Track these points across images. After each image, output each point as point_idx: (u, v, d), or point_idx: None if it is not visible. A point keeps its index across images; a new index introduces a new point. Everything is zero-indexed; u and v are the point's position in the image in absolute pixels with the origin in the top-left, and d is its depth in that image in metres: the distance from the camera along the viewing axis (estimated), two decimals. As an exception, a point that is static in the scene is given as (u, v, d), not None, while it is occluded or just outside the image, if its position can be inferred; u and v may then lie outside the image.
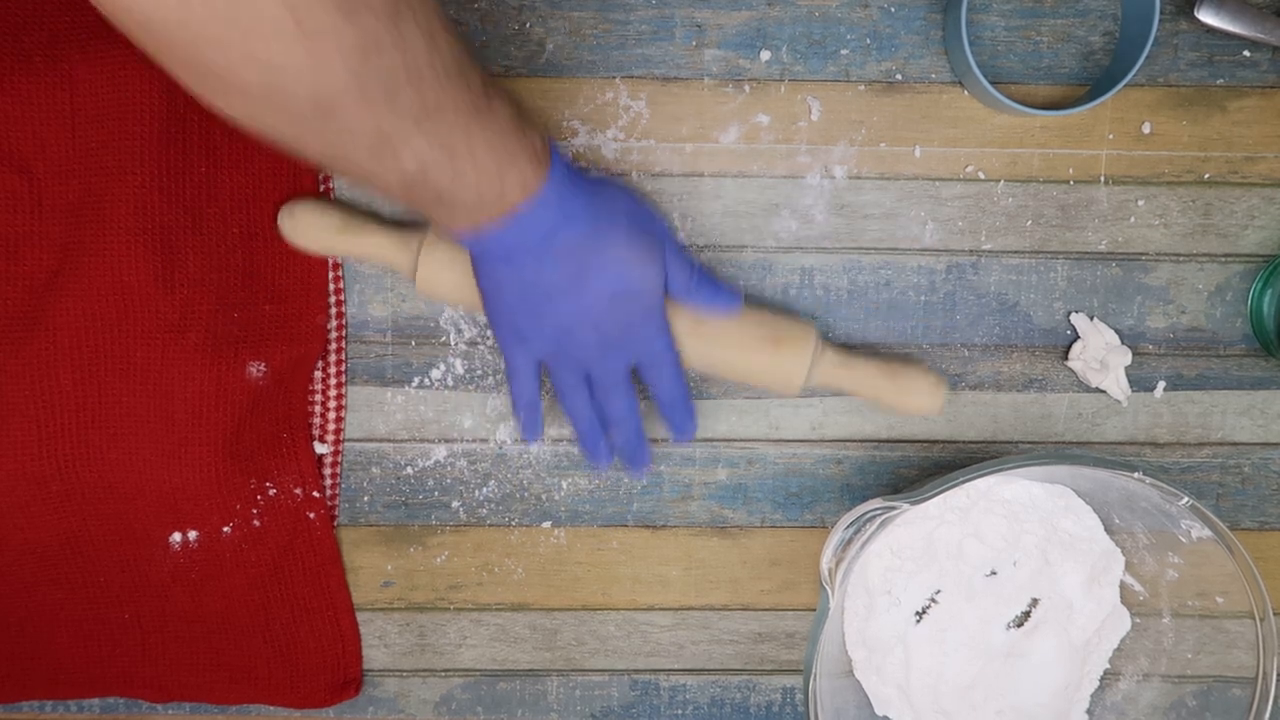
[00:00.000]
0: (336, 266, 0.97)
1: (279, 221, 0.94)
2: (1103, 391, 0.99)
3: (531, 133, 0.81)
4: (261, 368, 0.94)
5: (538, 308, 0.87)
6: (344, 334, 0.98)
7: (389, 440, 0.99)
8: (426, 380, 0.99)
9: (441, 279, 0.92)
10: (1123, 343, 0.98)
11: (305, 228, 0.93)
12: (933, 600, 1.00)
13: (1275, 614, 0.88)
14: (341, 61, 0.64)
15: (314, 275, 0.96)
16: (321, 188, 0.96)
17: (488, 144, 0.77)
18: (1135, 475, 0.86)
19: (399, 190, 0.77)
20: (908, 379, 0.94)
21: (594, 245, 0.85)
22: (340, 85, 0.65)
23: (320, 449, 0.98)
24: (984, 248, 0.98)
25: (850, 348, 0.97)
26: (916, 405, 0.94)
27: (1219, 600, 0.92)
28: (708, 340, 0.92)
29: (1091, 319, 0.98)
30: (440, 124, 0.73)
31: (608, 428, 0.93)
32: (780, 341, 0.93)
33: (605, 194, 0.87)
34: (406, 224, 0.96)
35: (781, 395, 0.97)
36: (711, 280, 0.91)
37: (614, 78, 0.96)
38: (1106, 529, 0.98)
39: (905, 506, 0.86)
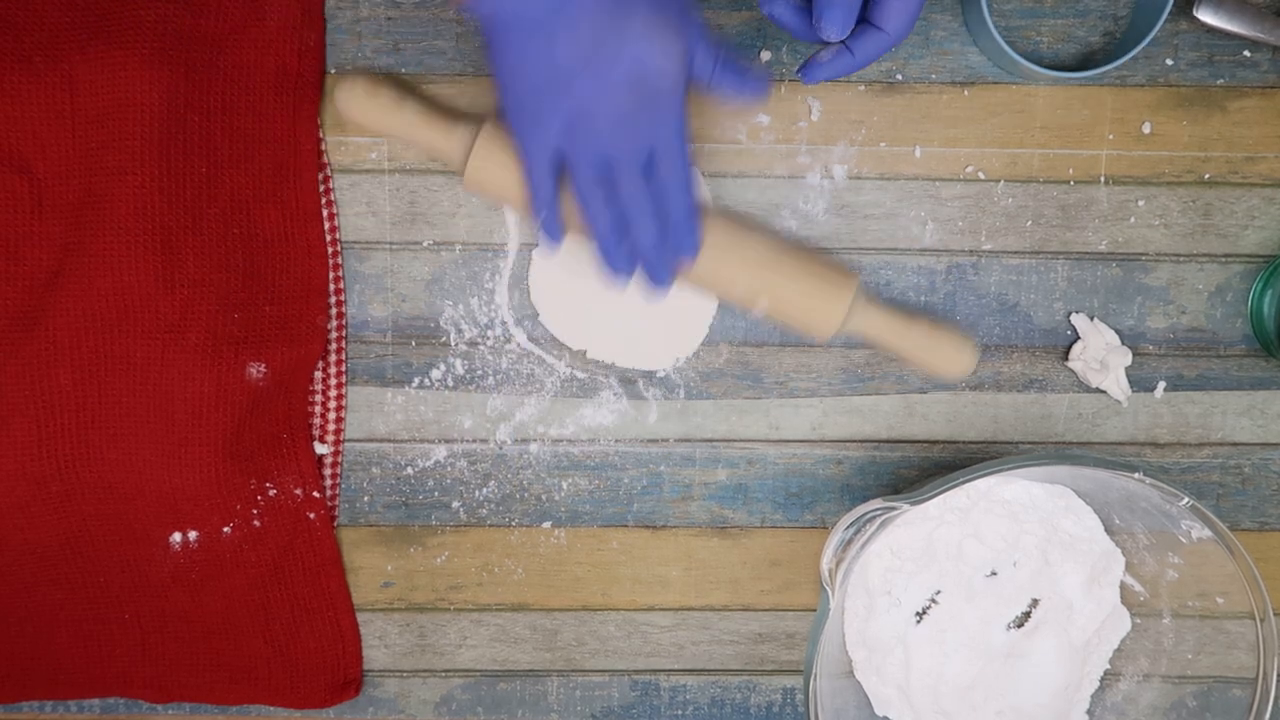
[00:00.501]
0: (337, 267, 0.97)
1: (335, 93, 0.91)
2: (1103, 392, 0.99)
3: None
4: (261, 368, 0.93)
5: (552, 87, 0.81)
6: (344, 334, 0.98)
7: (389, 440, 0.99)
8: (426, 380, 0.98)
9: (492, 175, 0.89)
10: (1123, 343, 0.98)
11: (360, 100, 0.90)
12: (933, 601, 1.00)
13: (1275, 614, 0.88)
14: None
15: (314, 275, 0.96)
16: (322, 188, 0.96)
17: None
18: (1135, 476, 0.85)
19: None
20: (940, 339, 0.94)
21: (611, 16, 0.78)
22: None
23: (320, 449, 0.98)
24: (984, 248, 0.98)
25: (890, 304, 0.96)
26: (945, 366, 0.94)
27: (1219, 601, 0.92)
28: (753, 266, 0.91)
29: (1092, 319, 0.98)
30: None
31: (628, 229, 0.87)
32: (824, 281, 0.92)
33: None
34: (460, 116, 0.93)
35: (816, 337, 0.95)
36: (737, 64, 0.85)
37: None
38: (1107, 529, 0.98)
39: (905, 507, 0.85)
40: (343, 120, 0.93)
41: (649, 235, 0.87)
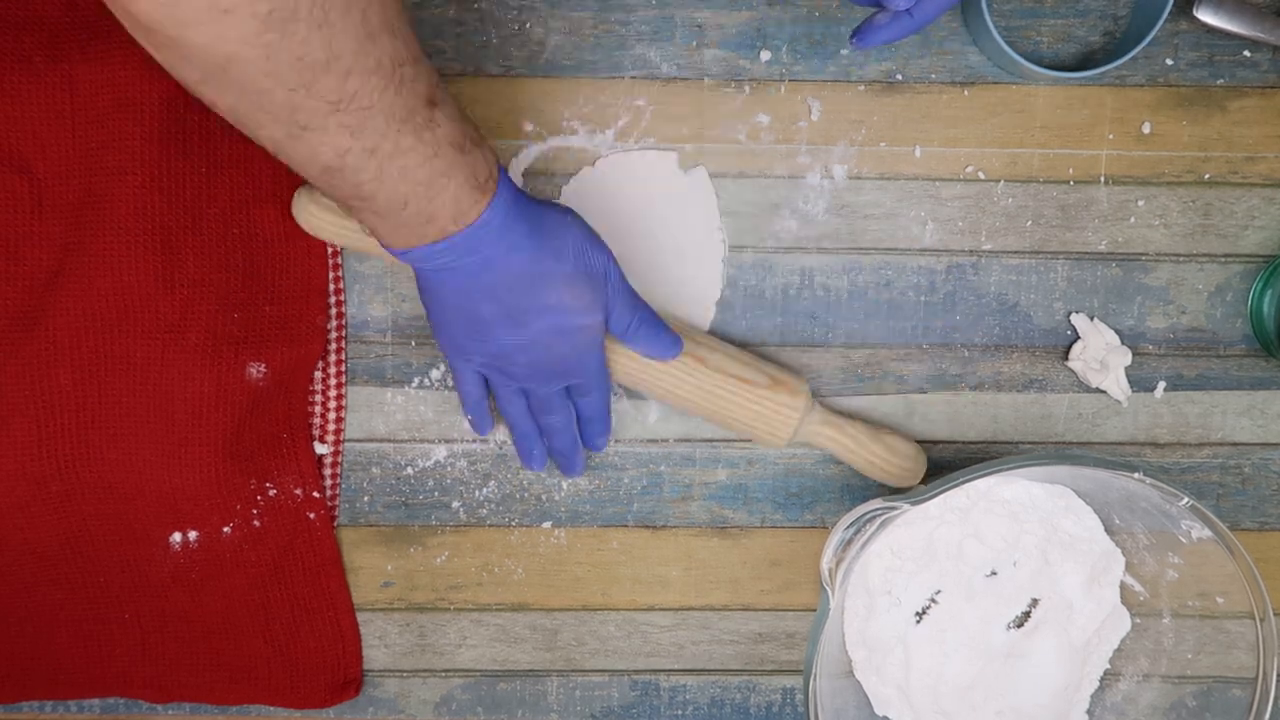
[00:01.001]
0: (337, 267, 0.97)
1: (293, 206, 0.94)
2: (1103, 392, 0.99)
3: (475, 155, 0.78)
4: (261, 368, 0.93)
5: (475, 331, 0.86)
6: (344, 334, 0.98)
7: (389, 440, 0.99)
8: (426, 380, 0.98)
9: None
10: (1123, 343, 0.98)
11: (311, 214, 0.93)
12: (933, 600, 1.00)
13: (1275, 614, 0.88)
14: (248, 26, 0.63)
15: (314, 275, 0.96)
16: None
17: (419, 155, 0.75)
18: (1135, 475, 0.85)
19: (320, 179, 0.75)
20: (892, 448, 0.96)
21: (533, 281, 0.84)
22: (243, 50, 0.64)
23: (320, 449, 0.98)
24: (984, 248, 0.98)
25: (838, 412, 0.98)
26: (897, 474, 0.97)
27: (1219, 601, 0.92)
28: (699, 383, 0.93)
29: (1092, 319, 0.98)
30: (363, 121, 0.71)
31: (543, 435, 0.95)
32: (774, 390, 0.94)
33: (551, 227, 0.84)
34: None
35: (765, 446, 0.97)
36: (654, 323, 0.91)
37: (614, 78, 0.96)
38: (1107, 529, 0.98)
39: (905, 507, 0.85)
40: (305, 231, 0.95)
41: (564, 442, 0.95)
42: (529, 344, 0.87)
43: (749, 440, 0.99)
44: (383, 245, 0.82)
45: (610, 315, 0.89)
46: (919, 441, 0.99)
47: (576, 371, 0.90)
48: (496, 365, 0.89)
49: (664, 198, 0.96)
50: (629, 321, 0.90)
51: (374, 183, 0.75)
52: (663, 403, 0.97)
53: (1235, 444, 1.01)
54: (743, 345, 0.99)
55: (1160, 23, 0.90)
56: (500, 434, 0.99)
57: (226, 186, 0.93)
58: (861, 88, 0.96)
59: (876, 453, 0.96)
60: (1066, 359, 0.99)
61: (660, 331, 0.91)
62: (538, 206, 0.84)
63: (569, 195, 0.96)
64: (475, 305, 0.84)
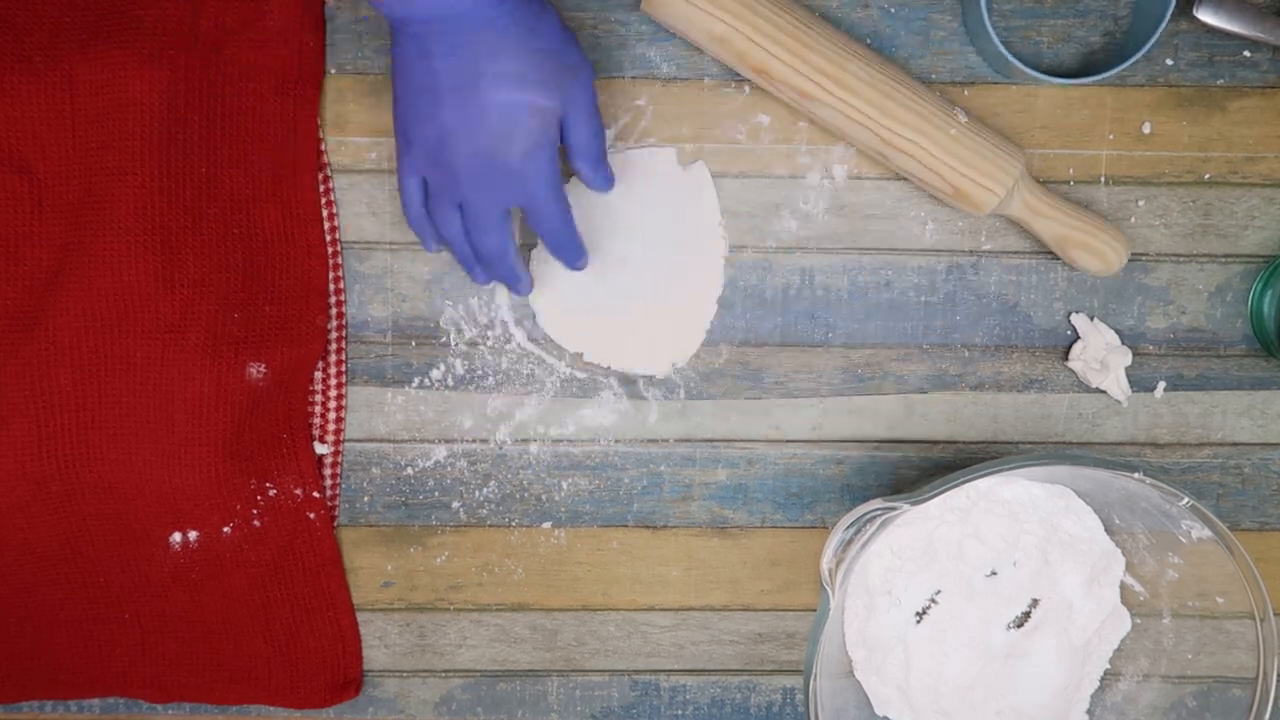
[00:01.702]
0: (337, 267, 0.96)
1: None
2: (1103, 392, 0.99)
3: None
4: (261, 368, 0.93)
5: (424, 107, 0.83)
6: (344, 334, 0.97)
7: (389, 440, 0.99)
8: (426, 380, 0.98)
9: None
10: (1123, 343, 0.98)
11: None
12: (933, 600, 0.99)
13: (1275, 614, 0.88)
14: None
15: (314, 275, 0.95)
16: (321, 188, 0.95)
17: None
18: (1135, 476, 0.85)
19: None
20: (1077, 256, 0.94)
21: (496, 43, 0.81)
22: None
23: (320, 449, 0.98)
24: (984, 248, 0.98)
25: (1049, 189, 0.96)
26: (1096, 264, 0.94)
27: (1219, 601, 0.92)
28: (901, 164, 0.92)
29: (1092, 319, 0.98)
30: None
31: (479, 260, 0.92)
32: (986, 161, 0.92)
33: (542, 7, 0.83)
34: None
35: (970, 211, 0.94)
36: (600, 152, 0.89)
37: (614, 77, 0.95)
38: (1107, 529, 0.98)
39: (905, 507, 0.85)
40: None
41: (501, 271, 0.92)
42: (475, 121, 0.82)
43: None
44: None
45: (567, 113, 0.85)
46: (919, 441, 0.99)
47: (523, 177, 0.85)
48: (435, 160, 0.85)
49: (664, 194, 0.96)
50: (587, 139, 0.87)
51: None
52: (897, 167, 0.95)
53: (1235, 444, 1.00)
54: (743, 345, 0.98)
55: (1161, 27, 0.90)
56: (501, 433, 0.99)
57: (226, 186, 0.93)
58: (861, 88, 0.96)
59: (1071, 239, 0.94)
60: (1066, 359, 0.99)
61: (602, 166, 0.90)
62: None
63: (569, 193, 0.96)
64: (431, 62, 0.82)
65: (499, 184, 0.85)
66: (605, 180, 0.90)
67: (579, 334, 0.97)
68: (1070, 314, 0.98)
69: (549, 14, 0.84)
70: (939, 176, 0.92)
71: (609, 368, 0.98)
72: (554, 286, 0.97)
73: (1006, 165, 0.92)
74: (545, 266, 0.96)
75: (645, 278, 0.96)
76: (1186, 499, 0.86)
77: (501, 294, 0.97)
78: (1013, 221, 0.96)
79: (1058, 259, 0.97)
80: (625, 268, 0.96)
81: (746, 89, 0.96)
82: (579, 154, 0.88)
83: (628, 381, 0.98)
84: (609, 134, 0.96)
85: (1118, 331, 0.98)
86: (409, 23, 0.81)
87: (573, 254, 0.92)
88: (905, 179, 0.96)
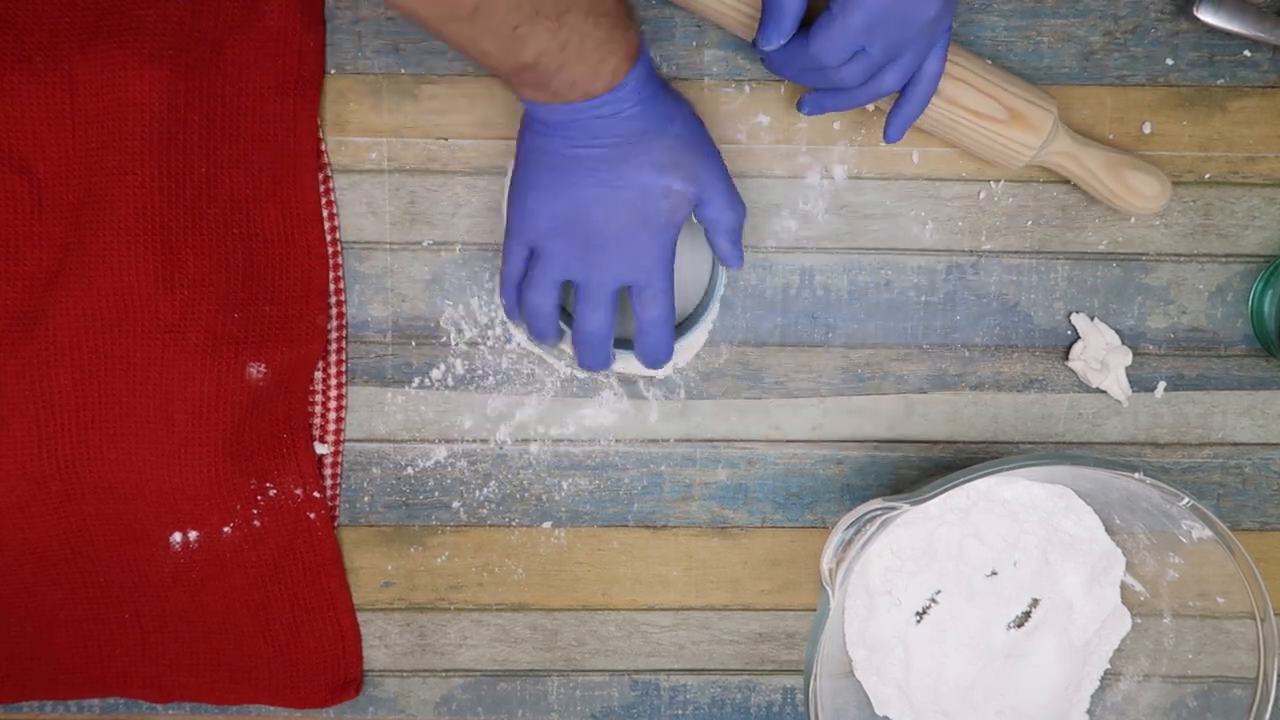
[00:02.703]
0: (337, 267, 0.96)
1: None
2: (1103, 392, 0.98)
3: (632, 27, 0.82)
4: (261, 368, 0.93)
5: (557, 184, 0.85)
6: (344, 334, 0.97)
7: (389, 440, 0.98)
8: (427, 380, 0.98)
9: None
10: (1123, 343, 0.97)
11: None
12: (933, 600, 0.99)
13: (1276, 614, 0.88)
14: None
15: (314, 276, 0.95)
16: (322, 188, 0.95)
17: (596, 40, 0.79)
18: (1136, 475, 0.85)
19: (509, 74, 0.81)
20: (1132, 178, 0.93)
21: (641, 134, 0.84)
22: None
23: (320, 449, 0.97)
24: (984, 248, 0.97)
25: (1082, 135, 0.95)
26: (1136, 206, 0.94)
27: (1220, 601, 0.92)
28: (942, 99, 0.91)
29: (1092, 319, 0.98)
30: (566, 22, 0.77)
31: (580, 338, 0.90)
32: (1018, 115, 0.91)
33: (671, 97, 0.87)
34: None
35: (1003, 167, 0.94)
36: (739, 233, 0.90)
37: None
38: (1107, 529, 0.98)
39: (905, 507, 0.85)
40: None
41: (590, 353, 0.91)
42: (614, 197, 0.84)
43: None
44: (521, 99, 0.84)
45: (706, 195, 0.87)
46: (919, 441, 0.99)
47: (641, 258, 0.86)
48: (563, 229, 0.86)
49: None
50: (722, 213, 0.88)
51: (559, 70, 0.79)
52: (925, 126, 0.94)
53: (1236, 444, 1.00)
54: (743, 345, 0.98)
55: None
56: (501, 433, 0.98)
57: (226, 186, 0.92)
58: (862, 88, 0.96)
59: (1113, 188, 0.94)
60: (1067, 359, 0.98)
61: (736, 241, 0.90)
62: (663, 82, 0.87)
63: None
64: (575, 150, 0.84)
65: (620, 260, 0.86)
66: (739, 258, 0.91)
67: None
68: (1070, 314, 0.98)
69: (682, 105, 0.87)
70: (994, 101, 0.91)
71: (609, 370, 0.97)
72: None
73: (1046, 95, 0.92)
74: None
75: None
76: (1187, 499, 0.85)
77: (500, 294, 0.96)
78: (1048, 168, 0.95)
79: (1058, 259, 0.97)
80: None
81: (747, 89, 0.95)
82: (719, 230, 0.89)
83: (628, 381, 0.98)
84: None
85: (1118, 331, 0.98)
86: (552, 116, 0.83)
87: (665, 346, 0.91)
88: (905, 179, 0.96)
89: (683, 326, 0.97)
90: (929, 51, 0.85)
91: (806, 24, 0.84)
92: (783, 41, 0.84)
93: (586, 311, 0.88)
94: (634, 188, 0.84)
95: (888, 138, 0.90)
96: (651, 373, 0.97)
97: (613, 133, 0.83)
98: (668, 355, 0.91)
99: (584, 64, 0.79)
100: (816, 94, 0.89)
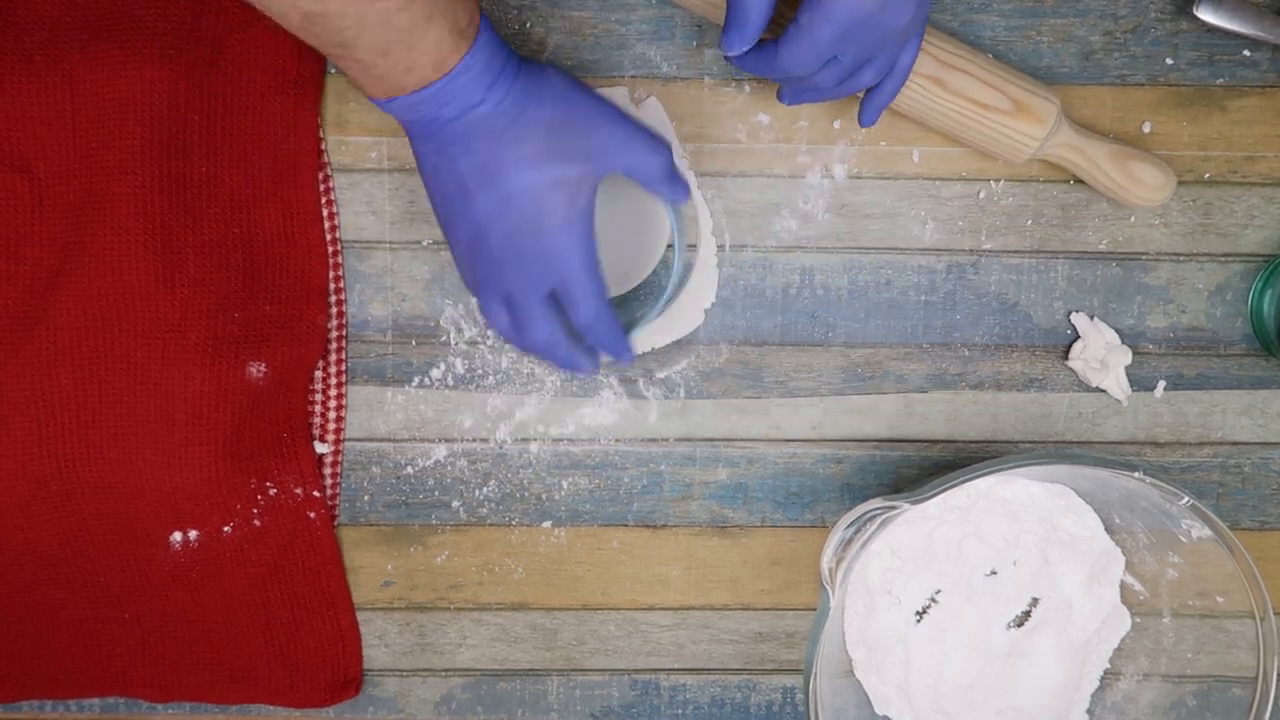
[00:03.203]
0: (337, 266, 0.96)
1: None
2: (1103, 391, 0.98)
3: (457, 3, 0.76)
4: (261, 368, 0.92)
5: (456, 200, 0.81)
6: (344, 334, 0.97)
7: (389, 440, 0.98)
8: (427, 380, 0.98)
9: None
10: (1123, 342, 0.97)
11: None
12: (933, 600, 0.99)
13: (1275, 614, 0.88)
14: None
15: (314, 275, 0.95)
16: (322, 188, 0.95)
17: (411, 15, 0.73)
18: (1135, 475, 0.85)
19: (301, 26, 0.74)
20: (1136, 168, 0.93)
21: (509, 130, 0.79)
22: None
23: (320, 449, 0.97)
24: (984, 247, 0.97)
25: (1085, 128, 0.95)
26: (1141, 198, 0.93)
27: (1219, 600, 0.91)
28: (935, 106, 0.91)
29: (1092, 318, 0.97)
30: None
31: (534, 354, 0.88)
32: (1023, 106, 0.91)
33: (531, 74, 0.81)
34: None
35: (1008, 160, 0.94)
36: (668, 170, 0.84)
37: (614, 77, 0.95)
38: (1107, 529, 0.97)
39: (906, 506, 0.85)
40: None
41: (557, 358, 0.87)
42: (504, 210, 0.80)
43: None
44: (368, 97, 0.80)
45: (607, 162, 0.81)
46: (919, 441, 0.99)
47: (553, 255, 0.81)
48: (478, 252, 0.82)
49: None
50: (640, 162, 0.82)
51: (354, 29, 0.74)
52: (929, 122, 0.93)
53: (1235, 443, 1.00)
54: (743, 344, 0.98)
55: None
56: (501, 432, 0.98)
57: (226, 186, 0.92)
58: (861, 87, 0.95)
59: (1118, 180, 0.93)
60: (1066, 358, 0.98)
61: (673, 183, 0.84)
62: (518, 57, 0.81)
63: None
64: (453, 162, 0.80)
65: (531, 268, 0.82)
66: (684, 190, 0.86)
67: None
68: (1070, 313, 0.98)
69: (550, 80, 0.82)
70: (999, 93, 0.90)
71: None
72: None
73: (1048, 88, 0.92)
74: None
75: (613, 222, 0.94)
76: (1186, 498, 0.85)
77: None
78: (1052, 162, 0.94)
79: (1057, 258, 0.97)
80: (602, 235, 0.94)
81: (746, 88, 0.95)
82: (649, 180, 0.84)
83: (628, 380, 0.98)
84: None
85: (1118, 331, 0.97)
86: (416, 125, 0.80)
87: (614, 343, 0.87)
88: (905, 178, 0.96)
89: (647, 299, 0.96)
90: (902, 50, 0.83)
91: (777, 25, 0.83)
92: (745, 48, 0.79)
93: (523, 327, 0.85)
94: (519, 192, 0.80)
95: (863, 122, 0.88)
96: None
97: (479, 133, 0.79)
98: (621, 347, 0.87)
99: (390, 30, 0.74)
100: (794, 88, 0.86)
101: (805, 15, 0.77)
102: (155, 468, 0.92)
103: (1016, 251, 0.97)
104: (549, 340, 0.85)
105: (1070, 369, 0.98)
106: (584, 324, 0.84)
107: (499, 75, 0.79)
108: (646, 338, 0.96)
